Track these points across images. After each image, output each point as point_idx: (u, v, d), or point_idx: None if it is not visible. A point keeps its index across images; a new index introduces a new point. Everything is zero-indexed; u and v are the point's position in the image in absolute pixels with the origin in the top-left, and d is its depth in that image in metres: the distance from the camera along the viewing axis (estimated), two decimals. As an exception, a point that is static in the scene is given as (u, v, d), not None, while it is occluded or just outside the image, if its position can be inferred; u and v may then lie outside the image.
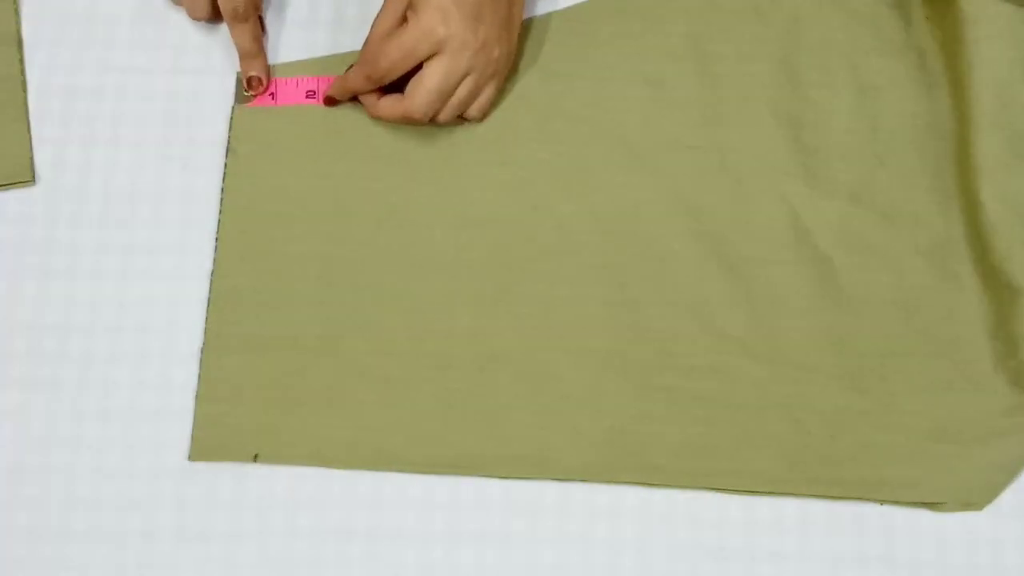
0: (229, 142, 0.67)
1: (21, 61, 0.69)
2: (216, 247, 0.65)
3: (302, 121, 0.67)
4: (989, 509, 0.61)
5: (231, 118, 0.68)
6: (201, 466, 0.62)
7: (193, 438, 0.62)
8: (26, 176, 0.66)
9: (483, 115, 0.67)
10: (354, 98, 0.67)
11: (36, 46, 0.69)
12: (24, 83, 0.68)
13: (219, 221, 0.66)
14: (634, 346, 0.63)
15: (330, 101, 0.67)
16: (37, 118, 0.68)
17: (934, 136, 0.67)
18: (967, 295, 0.64)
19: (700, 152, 0.67)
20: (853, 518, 0.61)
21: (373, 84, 0.65)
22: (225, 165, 0.67)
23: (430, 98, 0.64)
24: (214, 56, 0.69)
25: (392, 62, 0.63)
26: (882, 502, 0.61)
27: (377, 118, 0.67)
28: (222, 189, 0.66)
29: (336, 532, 0.60)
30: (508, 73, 0.67)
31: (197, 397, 0.62)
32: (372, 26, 0.64)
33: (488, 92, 0.66)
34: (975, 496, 0.61)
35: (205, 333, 0.64)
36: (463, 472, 0.61)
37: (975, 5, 0.66)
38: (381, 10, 0.64)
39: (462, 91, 0.64)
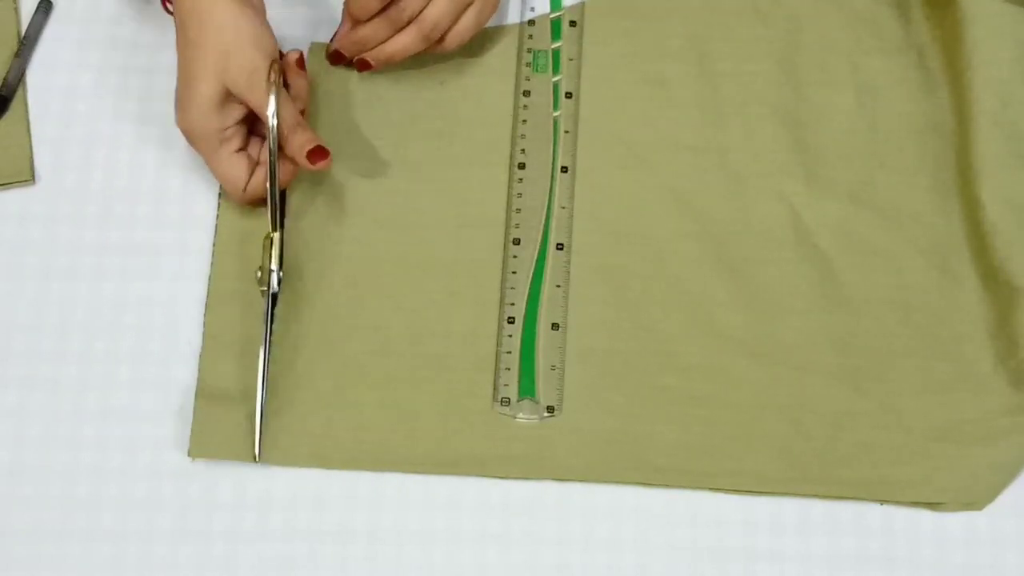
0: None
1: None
2: (215, 245, 0.65)
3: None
4: (989, 509, 0.61)
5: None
6: (201, 466, 0.62)
7: (193, 433, 0.62)
8: (26, 176, 0.66)
9: (460, 43, 0.66)
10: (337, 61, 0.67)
11: (36, 46, 0.69)
12: (24, 83, 0.68)
13: (217, 219, 0.66)
14: (634, 346, 0.63)
15: (338, 58, 0.68)
16: (37, 118, 0.68)
17: (934, 136, 0.67)
18: (967, 295, 0.64)
19: (700, 152, 0.67)
20: (853, 518, 0.61)
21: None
22: (225, 164, 0.67)
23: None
24: (214, 56, 0.69)
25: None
26: (882, 502, 0.61)
27: (387, 61, 0.66)
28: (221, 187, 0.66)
29: (336, 532, 0.60)
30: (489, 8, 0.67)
31: (197, 392, 0.62)
32: None
33: (467, 19, 0.65)
34: (975, 496, 0.61)
35: (204, 332, 0.63)
36: (463, 472, 0.61)
37: (975, 5, 0.66)
38: None
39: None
